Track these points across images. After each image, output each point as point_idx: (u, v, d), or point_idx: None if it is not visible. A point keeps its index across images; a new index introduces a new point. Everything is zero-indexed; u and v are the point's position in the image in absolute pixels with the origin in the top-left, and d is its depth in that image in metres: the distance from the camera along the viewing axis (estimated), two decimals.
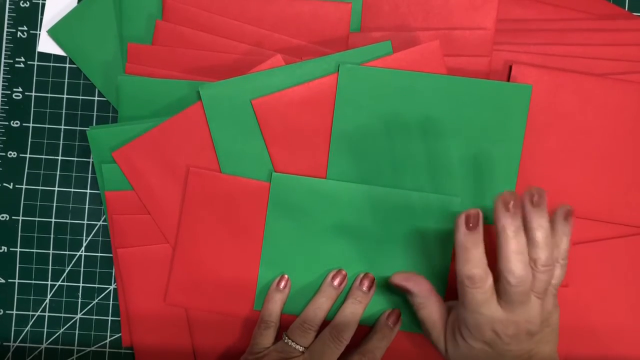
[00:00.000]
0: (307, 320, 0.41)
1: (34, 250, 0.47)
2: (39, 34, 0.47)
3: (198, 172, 0.43)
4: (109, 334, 0.47)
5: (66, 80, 0.47)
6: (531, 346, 0.38)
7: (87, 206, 0.47)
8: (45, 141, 0.47)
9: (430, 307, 0.40)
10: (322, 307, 0.42)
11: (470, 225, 0.36)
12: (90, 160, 0.47)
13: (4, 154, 0.47)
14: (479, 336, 0.37)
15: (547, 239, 0.36)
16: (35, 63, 0.47)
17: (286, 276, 0.43)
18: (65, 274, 0.47)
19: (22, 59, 0.47)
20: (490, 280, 0.36)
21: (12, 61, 0.47)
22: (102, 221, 0.47)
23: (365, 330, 0.43)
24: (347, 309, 0.42)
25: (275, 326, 0.42)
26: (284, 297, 0.43)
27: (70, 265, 0.47)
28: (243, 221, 0.44)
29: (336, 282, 0.42)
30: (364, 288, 0.42)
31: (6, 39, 0.47)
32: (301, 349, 0.41)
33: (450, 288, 0.43)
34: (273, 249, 0.43)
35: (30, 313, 0.47)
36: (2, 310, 0.47)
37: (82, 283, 0.47)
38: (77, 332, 0.47)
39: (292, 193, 0.43)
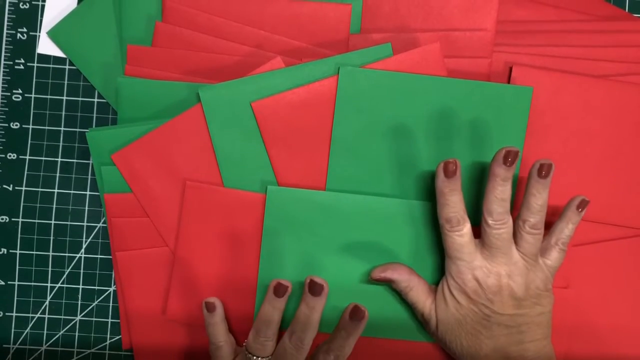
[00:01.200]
0: (261, 333, 0.41)
1: (34, 252, 0.47)
2: (39, 36, 0.47)
3: (195, 186, 0.43)
4: (108, 336, 0.47)
5: (66, 82, 0.47)
6: (519, 320, 0.38)
7: (86, 208, 0.47)
8: (45, 143, 0.47)
9: (415, 287, 0.41)
10: (272, 318, 0.41)
11: (449, 172, 0.38)
12: (90, 162, 0.46)
13: (3, 155, 0.47)
14: (462, 284, 0.39)
15: (542, 207, 0.38)
16: (35, 65, 0.47)
17: (211, 299, 0.42)
18: (65, 275, 0.47)
19: (22, 61, 0.47)
20: (467, 226, 0.39)
21: (11, 63, 0.47)
22: (102, 223, 0.47)
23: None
24: (300, 314, 0.41)
25: (226, 343, 0.42)
26: (219, 318, 0.42)
27: (70, 267, 0.47)
28: (242, 234, 0.43)
29: (278, 295, 0.41)
30: (315, 294, 0.40)
31: (6, 40, 0.47)
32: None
33: None
34: (270, 263, 0.43)
35: (30, 315, 0.47)
36: (1, 313, 0.47)
37: (82, 285, 0.47)
38: (77, 334, 0.47)
39: (289, 206, 0.43)
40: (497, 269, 0.38)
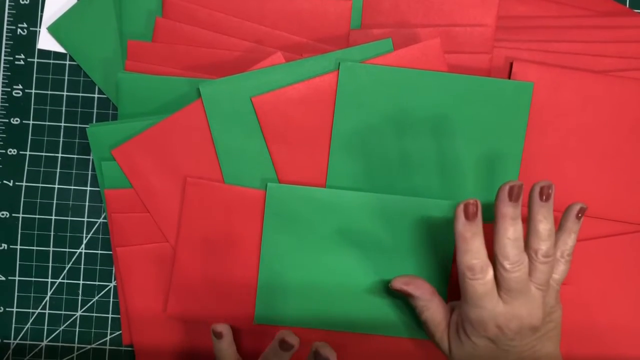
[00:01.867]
0: None
1: (34, 248, 0.47)
2: (39, 31, 0.47)
3: (195, 183, 0.43)
4: (109, 331, 0.47)
5: (66, 78, 0.47)
6: (534, 342, 0.37)
7: (87, 203, 0.47)
8: (45, 138, 0.47)
9: (432, 308, 0.40)
10: None
11: (469, 214, 0.36)
12: (91, 157, 0.47)
13: (4, 151, 0.47)
14: (483, 332, 0.37)
15: (551, 231, 0.36)
16: (35, 60, 0.47)
17: (219, 327, 0.41)
18: (65, 271, 0.47)
19: (22, 56, 0.47)
20: (490, 272, 0.36)
21: (12, 58, 0.47)
22: (103, 218, 0.47)
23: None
24: None
25: None
26: (227, 344, 0.42)
27: (71, 262, 0.47)
28: (242, 231, 0.43)
29: (283, 349, 0.39)
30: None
31: (6, 36, 0.47)
32: None
33: (451, 293, 0.43)
34: (271, 260, 0.43)
35: (31, 310, 0.47)
36: (2, 308, 0.47)
37: (83, 280, 0.47)
38: (77, 329, 0.47)
39: (289, 203, 0.43)
40: (518, 312, 0.36)
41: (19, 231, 0.47)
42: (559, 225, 0.39)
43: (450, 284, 0.43)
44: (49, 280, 0.47)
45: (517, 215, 0.36)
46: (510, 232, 0.35)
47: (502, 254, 0.36)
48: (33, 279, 0.47)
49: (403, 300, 0.43)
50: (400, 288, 0.40)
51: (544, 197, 0.36)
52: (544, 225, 0.36)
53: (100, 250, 0.47)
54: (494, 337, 0.37)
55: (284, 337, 0.38)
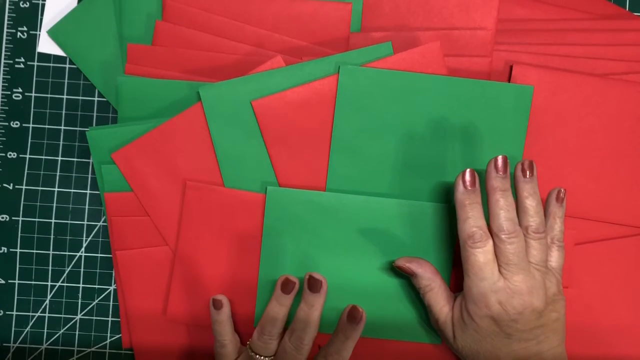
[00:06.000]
0: (266, 331, 0.41)
1: (34, 251, 0.47)
2: (39, 35, 0.47)
3: (195, 186, 0.43)
4: (109, 334, 0.47)
5: (66, 81, 0.47)
6: (538, 332, 0.38)
7: (87, 207, 0.47)
8: (45, 142, 0.47)
9: (436, 289, 0.40)
10: (278, 315, 0.41)
11: (468, 183, 0.38)
12: (90, 160, 0.46)
13: (3, 154, 0.47)
14: (485, 309, 0.37)
15: (538, 207, 0.38)
16: (35, 63, 0.47)
17: (219, 296, 0.42)
18: (65, 274, 0.47)
19: (22, 60, 0.47)
20: (490, 242, 0.37)
21: (12, 62, 0.47)
22: (102, 222, 0.47)
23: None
24: (300, 313, 0.41)
25: (230, 342, 0.42)
26: (226, 316, 0.42)
27: (70, 266, 0.47)
28: (242, 235, 0.43)
29: (285, 291, 0.41)
30: (314, 290, 0.41)
31: (6, 39, 0.47)
32: (266, 359, 0.41)
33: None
34: (271, 264, 0.43)
35: (30, 314, 0.47)
36: (2, 311, 0.47)
37: (82, 284, 0.47)
38: (77, 332, 0.47)
39: (289, 206, 0.43)
40: (519, 288, 0.37)
41: (19, 234, 0.47)
42: (545, 213, 0.40)
43: (451, 285, 0.43)
44: (49, 283, 0.47)
45: (506, 187, 0.37)
46: (502, 202, 0.37)
47: (497, 226, 0.37)
48: (33, 282, 0.47)
49: (404, 301, 0.43)
50: (403, 265, 0.41)
51: (527, 174, 0.38)
52: (530, 201, 0.38)
53: (100, 253, 0.47)
54: (497, 315, 0.37)
55: (286, 277, 0.41)
